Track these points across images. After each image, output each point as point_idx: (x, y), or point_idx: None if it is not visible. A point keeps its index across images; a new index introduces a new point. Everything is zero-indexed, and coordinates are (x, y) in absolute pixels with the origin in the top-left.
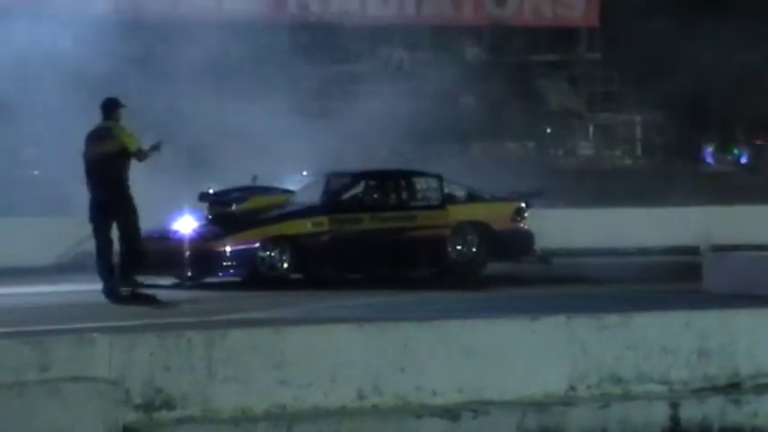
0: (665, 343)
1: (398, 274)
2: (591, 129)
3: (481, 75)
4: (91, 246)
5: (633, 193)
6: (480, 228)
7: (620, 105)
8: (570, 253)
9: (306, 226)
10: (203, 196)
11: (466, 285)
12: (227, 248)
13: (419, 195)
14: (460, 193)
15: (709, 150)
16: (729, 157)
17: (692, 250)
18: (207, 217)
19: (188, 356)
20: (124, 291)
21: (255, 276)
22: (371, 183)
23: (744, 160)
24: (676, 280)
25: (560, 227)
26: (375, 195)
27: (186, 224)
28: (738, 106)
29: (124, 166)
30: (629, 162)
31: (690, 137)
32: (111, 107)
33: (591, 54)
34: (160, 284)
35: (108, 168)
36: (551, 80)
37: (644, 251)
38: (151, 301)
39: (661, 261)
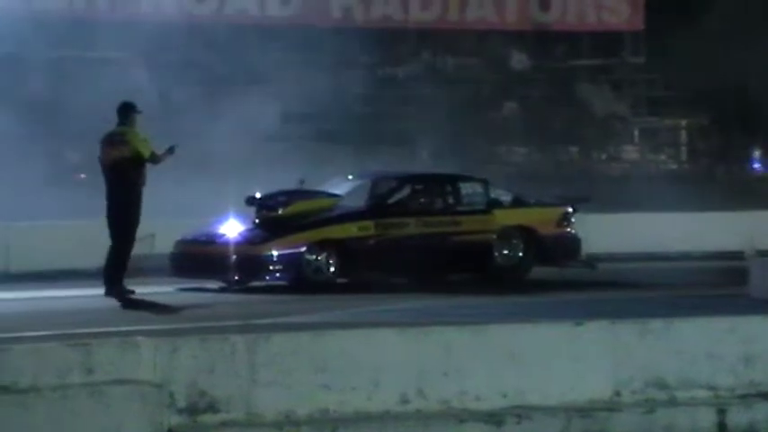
0: (710, 348)
1: (444, 278)
2: (635, 133)
3: (525, 80)
4: (139, 248)
5: (678, 198)
6: (526, 232)
7: (664, 109)
8: (614, 257)
9: (352, 230)
10: (250, 200)
11: (510, 290)
12: (274, 252)
13: (465, 200)
14: (506, 198)
15: (756, 155)
16: None
17: (738, 255)
18: (253, 221)
19: (231, 360)
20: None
21: (301, 280)
22: (417, 187)
23: None
24: (721, 285)
25: (604, 231)
26: (421, 199)
27: (233, 228)
28: None
29: (138, 171)
30: (673, 167)
31: (736, 141)
32: (126, 111)
33: (635, 58)
34: (207, 288)
35: (122, 173)
36: (595, 85)
37: (688, 256)
38: (148, 305)
39: (706, 266)
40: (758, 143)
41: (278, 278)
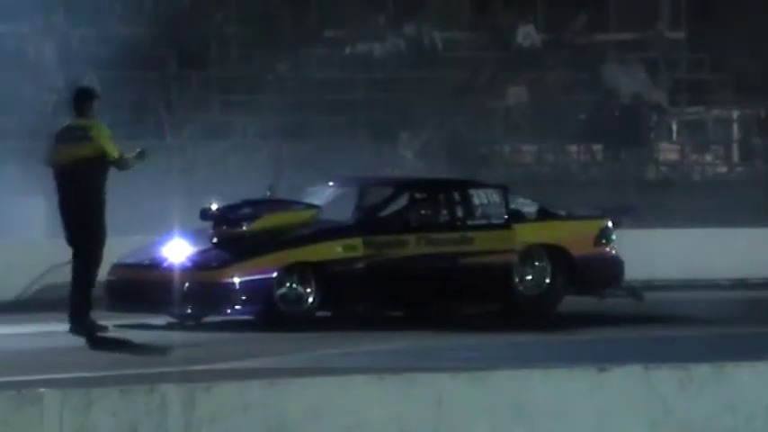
0: None
1: (451, 310)
2: (674, 127)
3: (535, 60)
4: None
5: (729, 209)
6: (555, 253)
7: (712, 97)
8: (650, 285)
9: (335, 250)
10: (206, 213)
11: (534, 326)
12: (237, 279)
13: (478, 212)
14: (530, 209)
15: None
16: None
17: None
18: (210, 239)
19: (161, 417)
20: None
21: (272, 314)
22: (417, 195)
23: None
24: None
25: (637, 251)
26: (422, 211)
27: (183, 249)
28: None
29: (103, 174)
30: (723, 169)
31: None
32: (84, 99)
33: (674, 32)
34: (151, 324)
35: (83, 177)
36: (624, 66)
37: (743, 284)
38: (121, 344)
39: (765, 296)
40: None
41: (243, 311)
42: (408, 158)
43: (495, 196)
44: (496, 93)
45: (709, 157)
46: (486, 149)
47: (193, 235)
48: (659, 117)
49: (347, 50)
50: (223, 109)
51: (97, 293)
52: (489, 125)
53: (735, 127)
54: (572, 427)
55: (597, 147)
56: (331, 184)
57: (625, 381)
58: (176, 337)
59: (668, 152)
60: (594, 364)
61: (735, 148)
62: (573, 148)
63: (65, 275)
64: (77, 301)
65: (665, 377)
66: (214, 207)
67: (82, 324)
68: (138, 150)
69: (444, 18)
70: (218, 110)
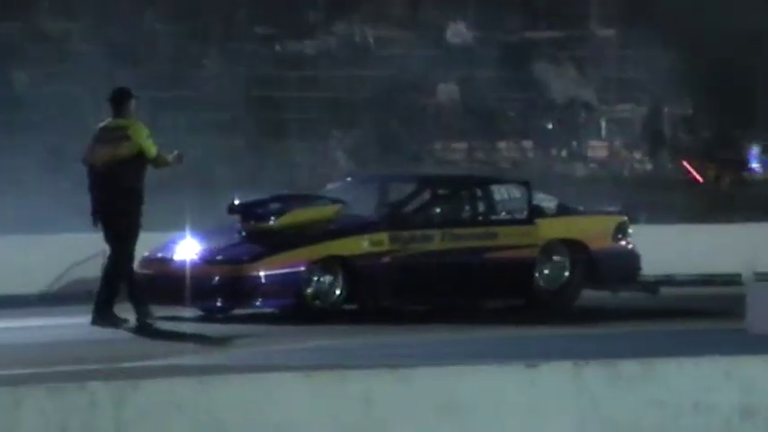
0: (699, 398)
1: (473, 305)
2: (603, 124)
3: (465, 57)
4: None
5: (658, 206)
6: (574, 247)
7: (640, 95)
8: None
9: (362, 245)
10: (233, 208)
11: (551, 320)
12: (267, 273)
13: (501, 207)
14: (549, 205)
15: (754, 151)
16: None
17: (733, 279)
18: (239, 233)
19: (90, 415)
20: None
21: (301, 307)
22: (440, 191)
23: None
24: (712, 317)
25: None
26: (446, 207)
27: (213, 243)
28: None
29: (139, 173)
30: (649, 167)
31: (730, 134)
32: (122, 99)
33: (604, 30)
34: (182, 317)
35: (120, 176)
36: (554, 63)
37: (671, 280)
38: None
39: (692, 293)
40: (757, 136)
41: (271, 304)
42: (339, 156)
43: (517, 192)
44: (428, 91)
45: (637, 155)
46: (417, 147)
47: (221, 230)
48: (588, 115)
49: (278, 47)
50: (152, 105)
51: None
52: (420, 123)
53: (665, 124)
54: (502, 424)
55: (527, 144)
56: (349, 180)
57: (554, 377)
58: (104, 334)
59: (597, 149)
60: (523, 361)
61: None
62: (503, 145)
63: (90, 270)
64: (105, 294)
65: (594, 373)
66: (236, 202)
67: (106, 317)
68: (176, 153)
69: (376, 16)
70: (146, 106)
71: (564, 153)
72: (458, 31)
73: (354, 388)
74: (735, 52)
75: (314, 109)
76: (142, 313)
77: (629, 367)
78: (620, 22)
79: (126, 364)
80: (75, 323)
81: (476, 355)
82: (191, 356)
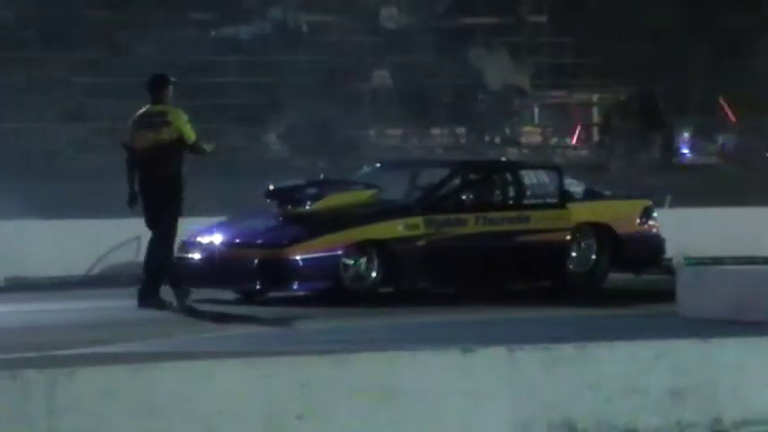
0: (631, 381)
1: (505, 287)
2: (537, 110)
3: (400, 43)
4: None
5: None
6: (601, 231)
7: (573, 82)
8: None
9: (397, 229)
10: (271, 193)
11: (580, 302)
12: (306, 256)
13: (533, 191)
14: (577, 189)
15: (684, 137)
16: (711, 146)
17: (665, 264)
18: (278, 218)
19: (24, 403)
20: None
21: (338, 290)
22: (473, 176)
23: (728, 148)
24: (640, 302)
25: None
26: (479, 191)
27: (252, 226)
28: (722, 81)
29: (179, 158)
30: (583, 152)
31: (661, 120)
32: (160, 85)
33: (537, 17)
34: (220, 299)
35: (163, 161)
36: (488, 49)
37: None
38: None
39: (623, 277)
40: (688, 122)
41: (309, 287)
42: (274, 142)
43: (549, 176)
44: (362, 76)
45: (569, 141)
46: (352, 133)
47: (259, 214)
48: (522, 101)
49: (213, 33)
50: (87, 92)
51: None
52: (355, 109)
53: (595, 110)
54: (439, 409)
55: (461, 130)
56: (378, 165)
57: (490, 362)
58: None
59: (530, 135)
60: (460, 346)
61: (595, 131)
62: (437, 131)
63: (128, 254)
64: (150, 278)
65: (529, 358)
66: (272, 187)
67: (152, 300)
68: (214, 144)
69: (310, 2)
70: (81, 92)
71: (497, 139)
72: (391, 16)
73: (292, 373)
74: (669, 42)
75: (249, 94)
76: (181, 294)
77: (564, 351)
78: (552, 9)
79: (60, 352)
80: (22, 309)
81: (414, 340)
82: (127, 344)
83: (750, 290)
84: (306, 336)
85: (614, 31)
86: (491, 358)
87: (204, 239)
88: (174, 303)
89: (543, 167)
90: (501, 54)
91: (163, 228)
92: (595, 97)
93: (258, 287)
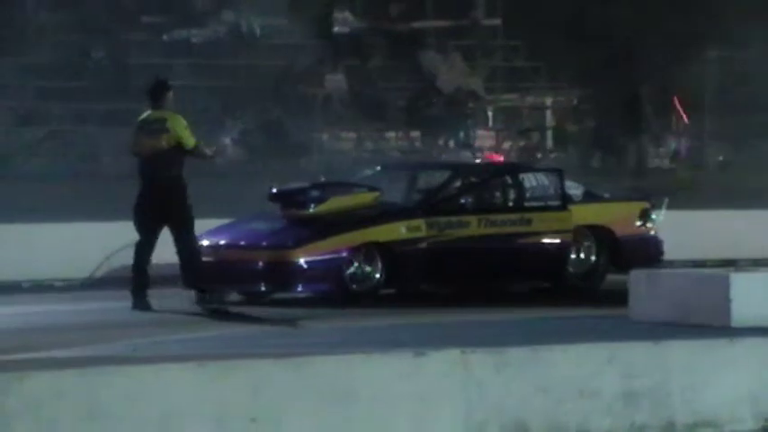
0: (584, 384)
1: (504, 289)
2: (490, 114)
3: (352, 46)
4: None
5: None
6: (600, 233)
7: (526, 85)
8: None
9: (399, 231)
10: (274, 195)
11: (577, 303)
12: (310, 258)
13: (535, 194)
14: (576, 192)
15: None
16: (663, 149)
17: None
18: (282, 220)
19: None
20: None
21: (342, 292)
22: (474, 179)
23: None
24: (597, 305)
25: None
26: (481, 194)
27: (257, 229)
28: (675, 84)
29: (180, 163)
30: (538, 155)
31: (614, 123)
32: (160, 91)
33: (490, 20)
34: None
35: (163, 166)
36: (441, 53)
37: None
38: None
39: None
40: (644, 126)
41: (313, 289)
42: (227, 144)
43: (550, 179)
44: (316, 80)
45: (523, 143)
46: (305, 137)
47: (263, 216)
48: (476, 104)
49: (165, 36)
50: (38, 95)
51: (153, 272)
52: (308, 112)
53: (549, 114)
54: (392, 411)
55: (415, 133)
56: (379, 168)
57: (442, 365)
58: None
59: (484, 138)
60: (412, 349)
61: (549, 134)
62: (391, 134)
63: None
64: (190, 279)
65: (481, 361)
66: (275, 190)
67: (205, 299)
68: (215, 147)
69: (263, 5)
70: (32, 96)
71: (451, 142)
72: (344, 20)
73: (244, 376)
74: (619, 42)
75: (202, 98)
76: (209, 297)
77: (516, 354)
78: (505, 11)
79: (12, 356)
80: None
81: (367, 343)
82: (79, 348)
83: (694, 293)
84: (256, 339)
85: (566, 33)
86: (443, 361)
87: (209, 241)
88: (196, 301)
89: (544, 170)
90: (454, 57)
91: (184, 230)
92: (549, 100)
93: (263, 289)
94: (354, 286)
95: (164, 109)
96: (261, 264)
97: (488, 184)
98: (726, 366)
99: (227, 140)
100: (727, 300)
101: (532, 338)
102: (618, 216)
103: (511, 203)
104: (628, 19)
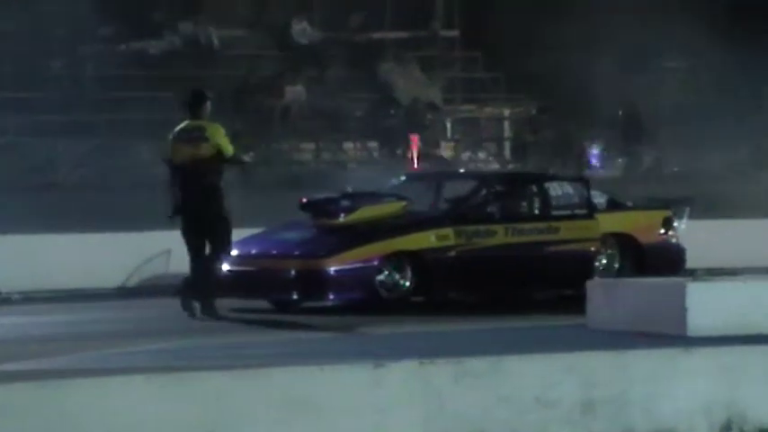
0: (542, 393)
1: (532, 296)
2: (449, 125)
3: (312, 57)
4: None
5: None
6: (624, 241)
7: (484, 95)
8: None
9: (429, 240)
10: (305, 205)
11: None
12: (342, 267)
13: (562, 202)
14: (600, 200)
15: (594, 151)
16: (621, 159)
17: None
18: (313, 229)
19: None
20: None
21: (373, 300)
22: (500, 188)
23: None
24: (554, 314)
25: None
26: (508, 203)
27: (289, 238)
28: (624, 95)
29: (219, 172)
30: (495, 166)
31: (571, 134)
32: (199, 101)
33: (448, 31)
34: (256, 309)
35: (202, 175)
36: (399, 64)
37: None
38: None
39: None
40: (597, 136)
41: (345, 297)
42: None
43: (577, 188)
44: (275, 91)
45: (482, 155)
46: (264, 147)
47: (293, 225)
48: (433, 114)
49: (122, 47)
50: None
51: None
52: (268, 123)
53: (507, 124)
54: (352, 422)
55: (373, 144)
56: (403, 178)
57: (401, 375)
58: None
59: (443, 149)
60: (372, 360)
61: (507, 145)
62: (349, 145)
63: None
64: (208, 287)
65: (440, 371)
66: (306, 200)
67: (213, 307)
68: (250, 160)
69: (221, 16)
70: None
71: (410, 153)
72: (302, 31)
73: (203, 388)
74: (578, 56)
75: (160, 109)
76: (209, 306)
77: (475, 364)
78: (463, 22)
79: None
80: None
81: (327, 354)
82: (32, 361)
83: (651, 302)
84: (215, 351)
85: (523, 44)
86: (402, 372)
87: (241, 250)
88: (199, 311)
89: (570, 179)
90: (412, 68)
91: (220, 238)
92: (506, 111)
93: (295, 297)
94: (385, 294)
95: (202, 119)
96: (293, 272)
97: (515, 193)
98: (684, 376)
99: None
100: (683, 309)
101: (491, 349)
102: (641, 224)
103: (537, 212)
104: (585, 29)
